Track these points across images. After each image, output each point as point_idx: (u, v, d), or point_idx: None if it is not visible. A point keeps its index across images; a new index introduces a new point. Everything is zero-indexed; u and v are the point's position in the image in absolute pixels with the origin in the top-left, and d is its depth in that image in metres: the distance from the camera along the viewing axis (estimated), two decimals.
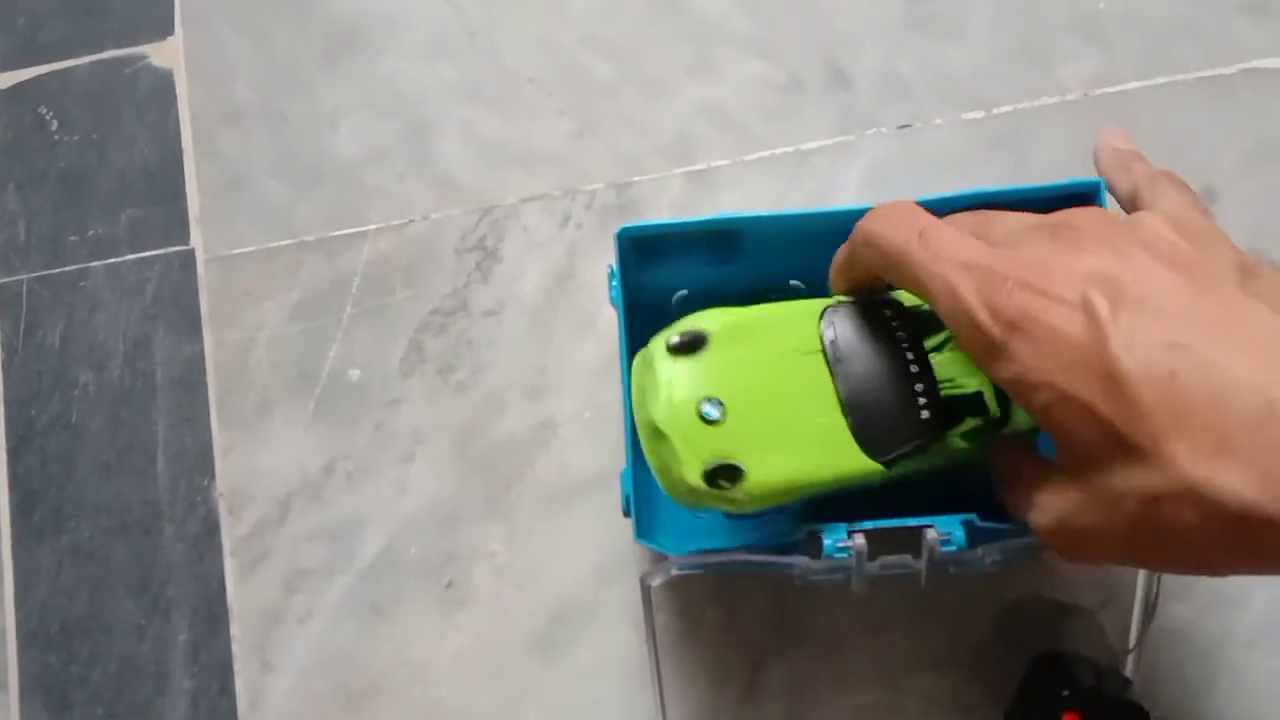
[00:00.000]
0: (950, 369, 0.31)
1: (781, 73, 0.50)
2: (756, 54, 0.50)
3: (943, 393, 0.31)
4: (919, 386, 0.30)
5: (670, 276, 0.45)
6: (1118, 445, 0.25)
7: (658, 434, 0.30)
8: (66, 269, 0.51)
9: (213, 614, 0.47)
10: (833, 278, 0.34)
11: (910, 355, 0.31)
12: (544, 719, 0.45)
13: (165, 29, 0.53)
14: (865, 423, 0.30)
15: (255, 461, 0.48)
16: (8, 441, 0.50)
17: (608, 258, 0.44)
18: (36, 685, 0.47)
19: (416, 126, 0.51)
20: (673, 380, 0.30)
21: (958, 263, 0.27)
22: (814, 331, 0.32)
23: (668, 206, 0.49)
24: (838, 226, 0.42)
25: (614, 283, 0.40)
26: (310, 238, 0.50)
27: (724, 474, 0.30)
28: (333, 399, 0.49)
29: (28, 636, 0.48)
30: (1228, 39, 0.48)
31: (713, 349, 0.31)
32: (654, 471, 0.32)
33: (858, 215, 0.41)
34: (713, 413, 0.30)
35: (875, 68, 0.50)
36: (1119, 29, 0.49)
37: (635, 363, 0.33)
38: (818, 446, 0.30)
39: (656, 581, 0.39)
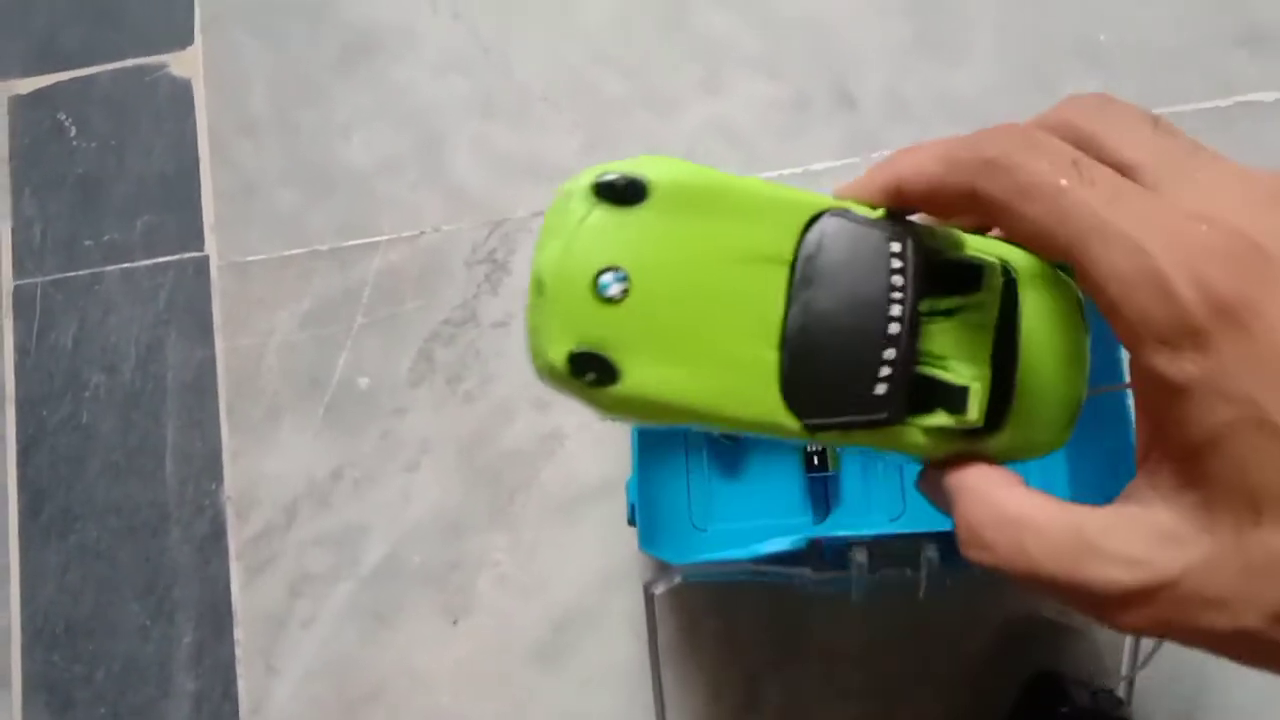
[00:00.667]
0: (946, 343, 0.24)
1: (789, 92, 0.51)
2: (765, 73, 0.51)
3: (923, 370, 0.24)
4: (888, 354, 0.24)
5: None
6: None
7: (540, 287, 0.23)
8: (81, 273, 0.52)
9: (217, 617, 0.48)
10: (876, 183, 0.25)
11: (896, 310, 0.24)
12: None
13: (185, 39, 0.54)
14: (802, 370, 0.24)
15: (263, 466, 0.49)
16: (19, 441, 0.50)
17: None
18: (40, 684, 0.48)
19: (429, 139, 0.52)
20: (581, 229, 0.23)
21: (1151, 216, 0.20)
22: (792, 235, 0.24)
23: None
24: None
25: None
26: (323, 247, 0.51)
27: (593, 365, 0.23)
28: (341, 406, 0.49)
29: (32, 635, 0.48)
30: (1225, 72, 0.50)
31: (649, 207, 0.24)
32: (526, 329, 0.24)
33: None
34: (612, 287, 0.23)
35: (881, 89, 0.51)
36: (1120, 58, 0.50)
37: (556, 194, 0.25)
38: (729, 374, 0.24)
39: (660, 590, 0.39)
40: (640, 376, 0.23)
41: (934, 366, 0.24)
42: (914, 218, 0.25)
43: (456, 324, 0.50)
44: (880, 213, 0.25)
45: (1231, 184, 0.21)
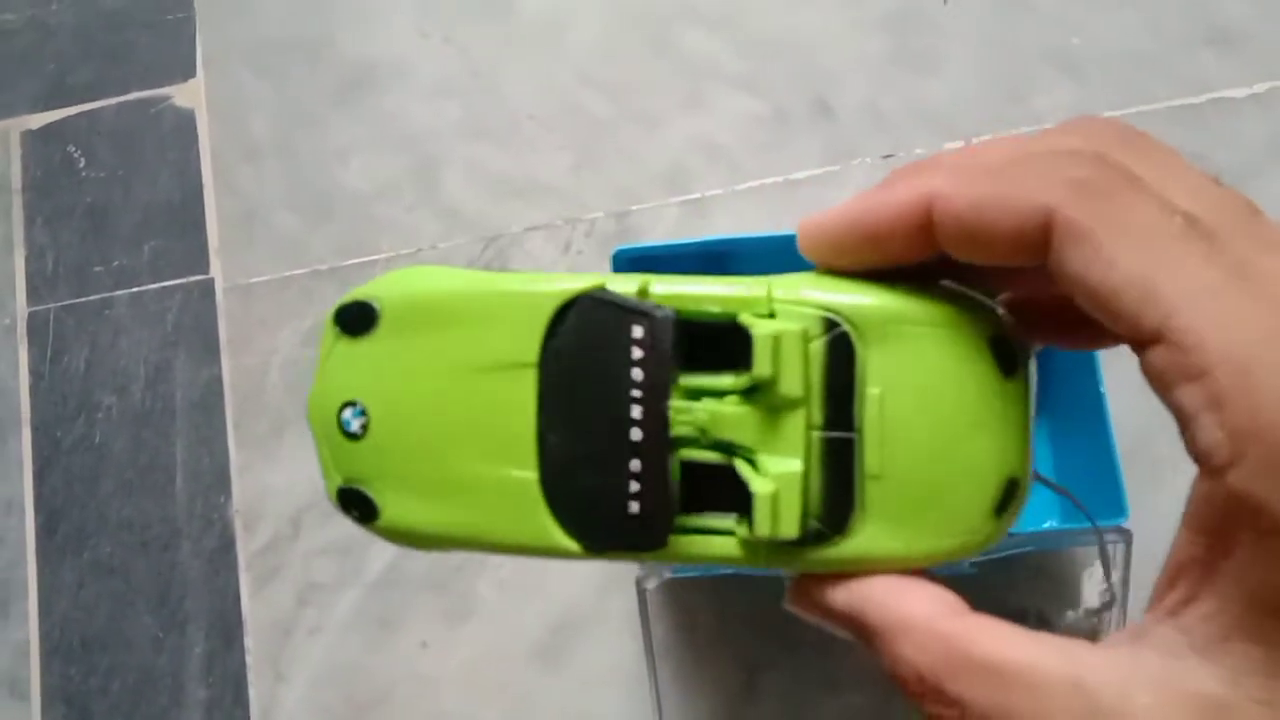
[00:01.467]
0: (748, 431, 0.20)
1: (769, 107, 0.53)
2: (745, 90, 0.53)
3: (736, 463, 0.20)
4: (634, 465, 0.20)
5: None
6: None
7: (309, 424, 0.22)
8: (91, 298, 0.54)
9: (228, 627, 0.49)
10: (892, 206, 0.18)
11: (636, 412, 0.20)
12: None
13: (188, 71, 0.56)
14: (562, 489, 0.21)
15: (269, 480, 0.51)
16: (34, 462, 0.52)
17: None
18: (58, 696, 0.49)
19: (424, 161, 0.54)
20: (326, 364, 0.22)
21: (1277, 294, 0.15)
22: (536, 333, 0.21)
23: (664, 234, 0.51)
24: None
25: None
26: (323, 267, 0.53)
27: (355, 501, 0.22)
28: None
29: (50, 649, 0.50)
30: (1195, 70, 0.51)
31: (381, 333, 0.22)
32: None
33: None
34: (352, 424, 0.22)
35: (858, 101, 0.52)
36: (1091, 62, 0.52)
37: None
38: (488, 499, 0.21)
39: (652, 585, 0.41)
40: (395, 510, 0.22)
41: (742, 459, 0.20)
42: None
43: None
44: (638, 286, 0.20)
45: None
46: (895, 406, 0.19)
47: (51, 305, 0.54)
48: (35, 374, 0.53)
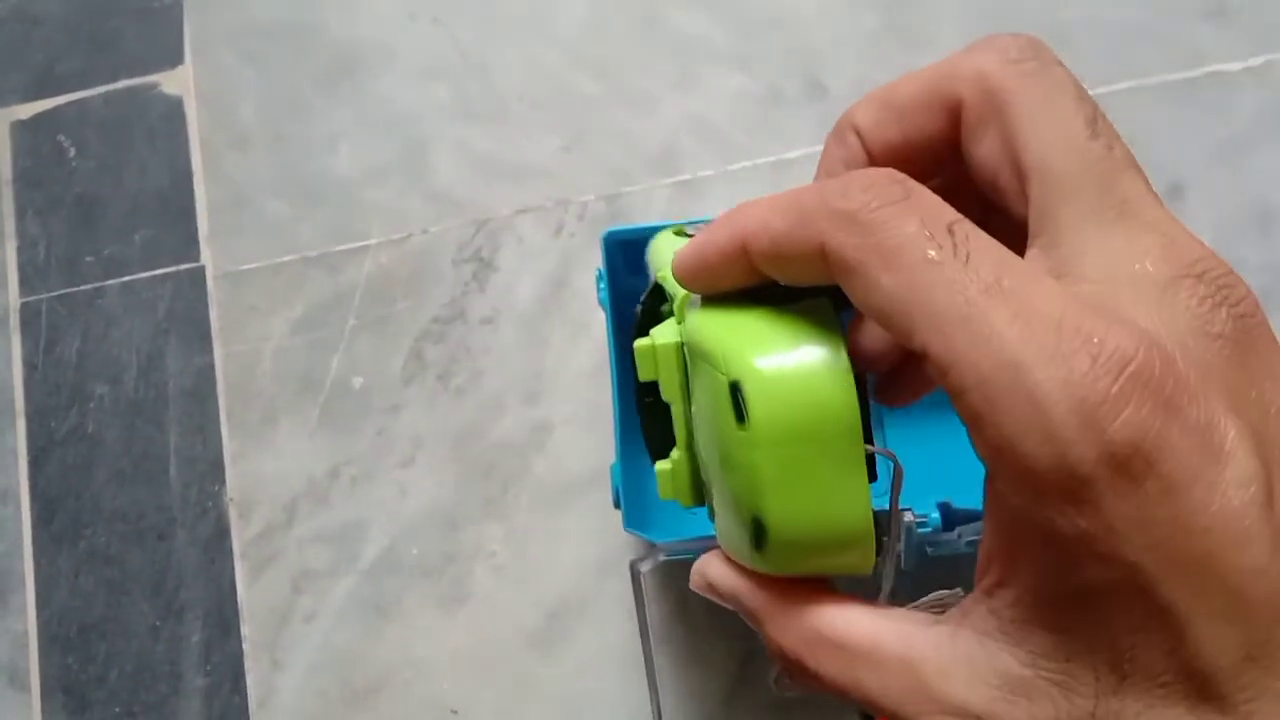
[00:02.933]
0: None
1: (761, 85, 0.52)
2: (736, 68, 0.52)
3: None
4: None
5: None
6: (1193, 686, 0.16)
7: None
8: (83, 288, 0.54)
9: (224, 615, 0.49)
10: (717, 243, 0.21)
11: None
12: (543, 711, 0.47)
13: (175, 59, 0.56)
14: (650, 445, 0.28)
15: (263, 468, 0.50)
16: (29, 452, 0.52)
17: (599, 265, 0.46)
18: (56, 686, 0.49)
19: (413, 145, 0.53)
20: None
21: (1039, 314, 0.16)
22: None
23: (656, 216, 0.51)
24: None
25: (602, 284, 0.43)
26: (313, 253, 0.53)
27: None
28: (336, 406, 0.51)
29: (48, 639, 0.50)
30: (1191, 44, 0.50)
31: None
32: None
33: None
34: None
35: (851, 78, 0.52)
36: (1085, 35, 0.51)
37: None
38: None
39: (646, 568, 0.41)
40: None
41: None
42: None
43: (445, 322, 0.51)
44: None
45: (1153, 250, 0.18)
46: (701, 435, 0.21)
47: (44, 296, 0.54)
48: (29, 364, 0.53)
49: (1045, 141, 0.19)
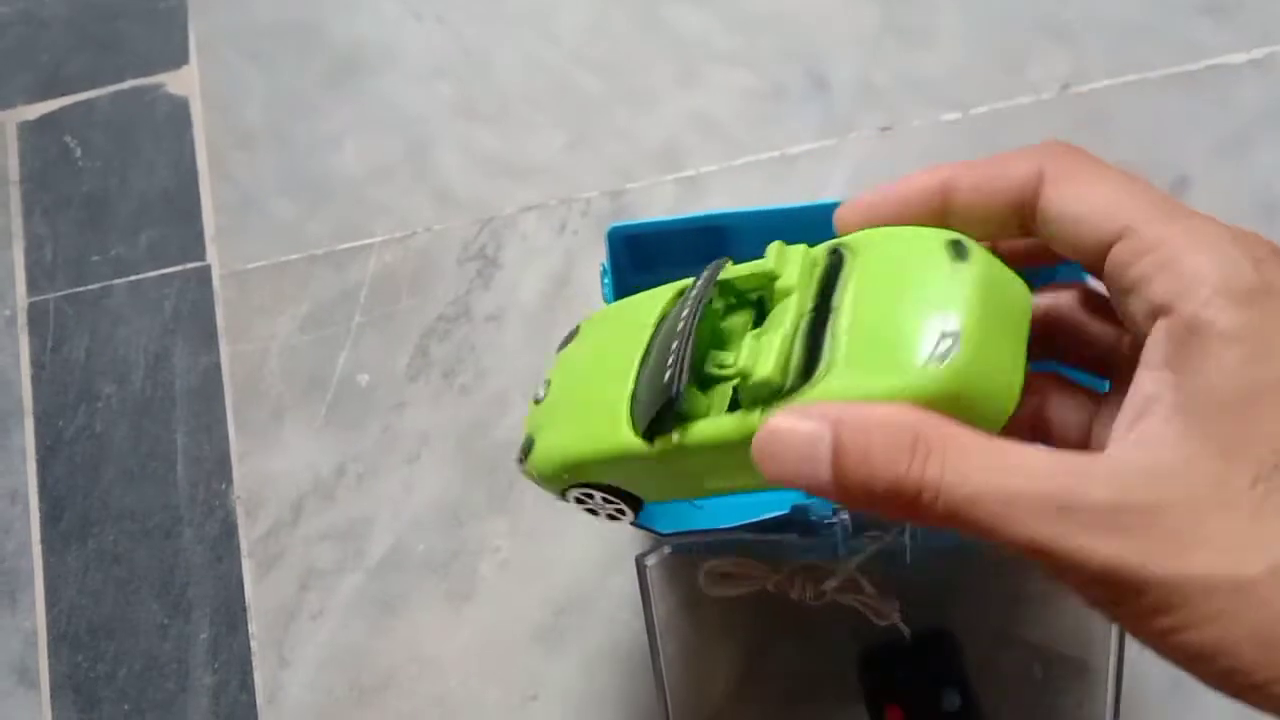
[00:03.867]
0: (745, 351, 0.24)
1: (764, 81, 0.52)
2: (739, 64, 0.53)
3: (717, 373, 0.26)
4: (674, 345, 0.25)
5: (663, 277, 0.47)
6: None
7: None
8: (90, 287, 0.54)
9: (231, 613, 0.49)
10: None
11: (685, 311, 0.26)
12: (550, 707, 0.47)
13: (180, 59, 0.56)
14: (637, 395, 0.27)
15: (270, 466, 0.51)
16: (37, 452, 0.52)
17: (603, 261, 0.47)
18: (66, 684, 0.50)
19: (417, 144, 0.54)
20: (548, 373, 0.32)
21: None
22: (662, 305, 0.29)
23: (660, 212, 0.51)
24: (821, 220, 0.44)
25: (606, 280, 0.43)
26: (319, 252, 0.53)
27: (525, 449, 0.30)
28: (343, 404, 0.51)
29: (57, 637, 0.50)
30: (1192, 37, 0.50)
31: (577, 340, 0.32)
32: None
33: None
34: (540, 392, 0.31)
35: (854, 74, 0.52)
36: (1087, 31, 0.51)
37: None
38: (599, 420, 0.27)
39: (651, 561, 0.41)
40: (544, 443, 0.29)
41: (722, 369, 0.25)
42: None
43: (450, 319, 0.51)
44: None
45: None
46: (864, 287, 0.23)
47: (51, 295, 0.54)
48: (37, 364, 0.54)
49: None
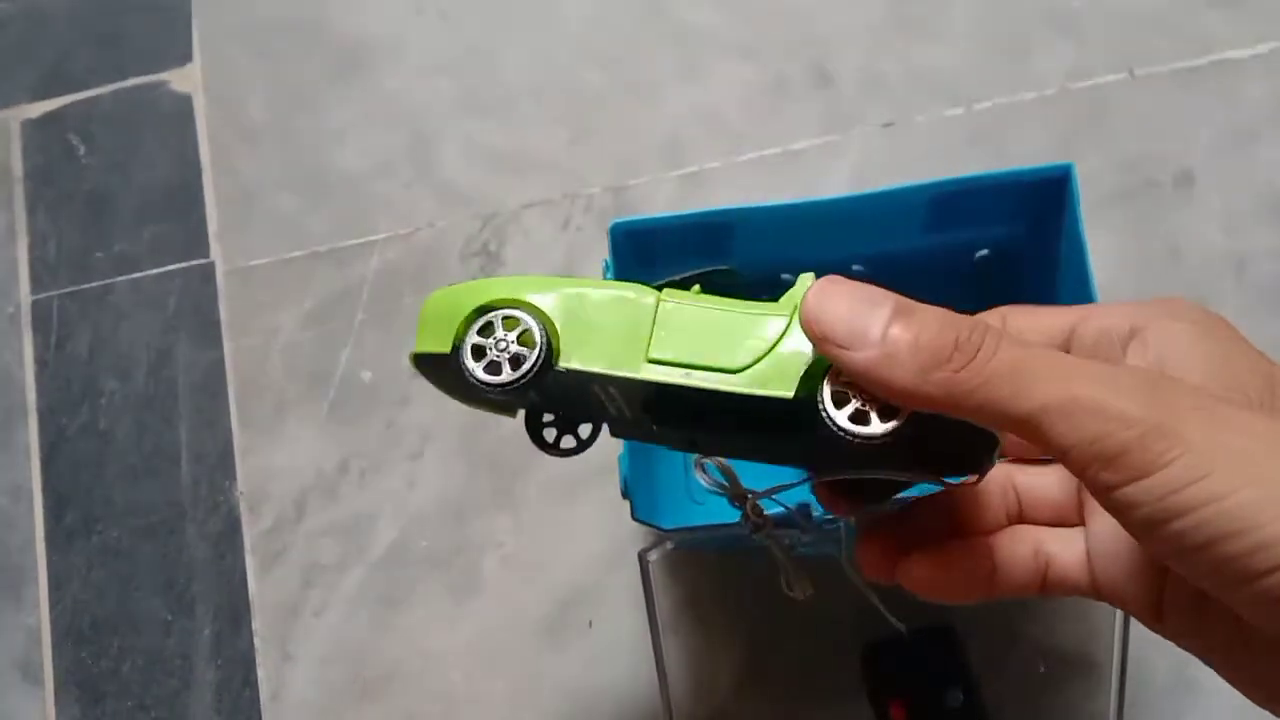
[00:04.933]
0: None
1: (767, 76, 0.52)
2: (742, 58, 0.52)
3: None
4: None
5: (665, 273, 0.47)
6: None
7: None
8: (93, 284, 0.54)
9: (235, 609, 0.49)
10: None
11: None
12: (552, 702, 0.47)
13: (184, 56, 0.56)
14: None
15: (273, 462, 0.51)
16: (41, 449, 0.52)
17: (606, 257, 0.46)
18: (70, 680, 0.50)
19: (419, 139, 0.53)
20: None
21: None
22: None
23: (663, 208, 0.51)
24: (827, 216, 0.44)
25: (608, 276, 0.43)
26: (322, 248, 0.53)
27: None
28: (346, 400, 0.51)
29: (61, 633, 0.50)
30: (1198, 31, 0.50)
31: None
32: None
33: (844, 204, 0.43)
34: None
35: (858, 68, 0.52)
36: (1092, 24, 0.51)
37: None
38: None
39: (654, 556, 0.41)
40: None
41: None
42: None
43: None
44: None
45: None
46: None
47: (54, 292, 0.54)
48: (40, 361, 0.54)
49: None
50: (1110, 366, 0.21)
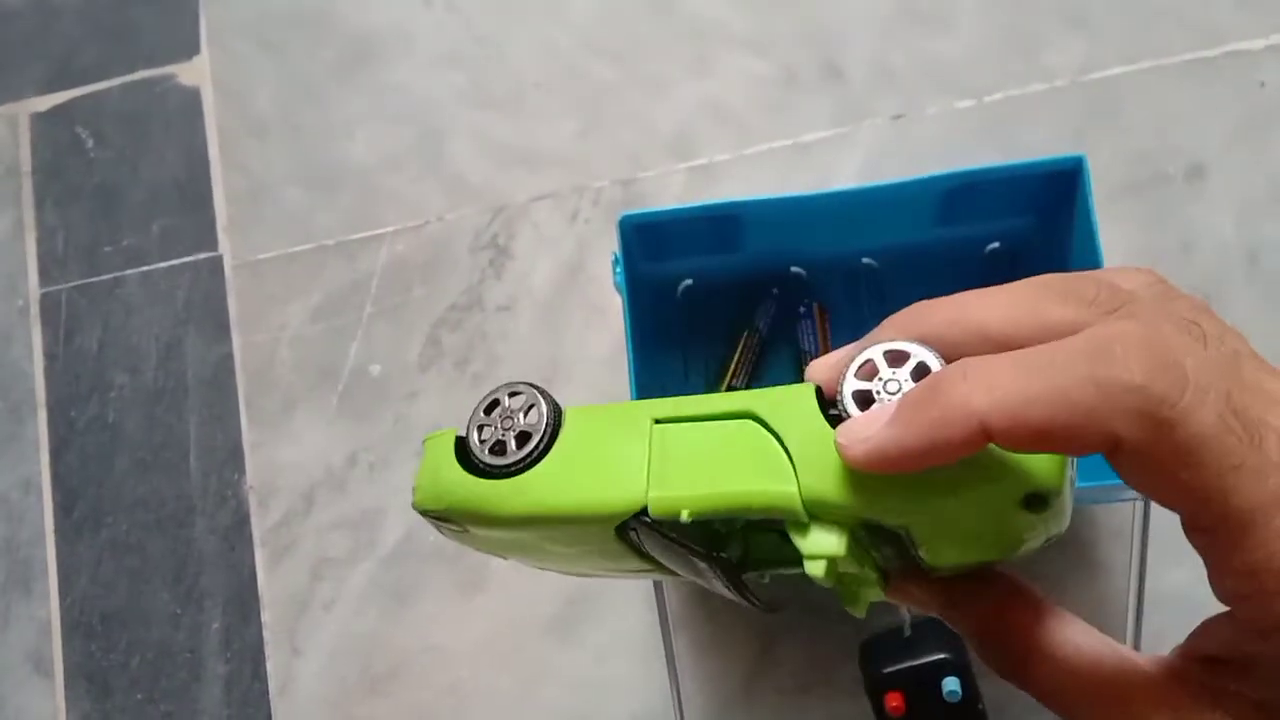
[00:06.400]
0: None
1: (777, 68, 0.52)
2: (752, 51, 0.52)
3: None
4: None
5: (675, 267, 0.47)
6: None
7: None
8: (102, 278, 0.54)
9: (244, 602, 0.49)
10: (939, 429, 0.19)
11: None
12: (561, 697, 0.47)
13: (192, 49, 0.56)
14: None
15: (282, 456, 0.51)
16: (50, 442, 0.52)
17: (615, 250, 0.46)
18: (79, 672, 0.50)
19: (428, 132, 0.53)
20: None
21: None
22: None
23: (672, 200, 0.51)
24: (836, 209, 0.44)
25: (617, 268, 0.42)
26: (330, 241, 0.53)
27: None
28: (355, 394, 0.51)
29: (71, 627, 0.50)
30: (1210, 22, 0.50)
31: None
32: None
33: (855, 196, 0.43)
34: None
35: (868, 60, 0.51)
36: (1104, 16, 0.50)
37: None
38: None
39: None
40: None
41: None
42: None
43: (462, 309, 0.51)
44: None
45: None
46: (935, 545, 0.22)
47: (63, 286, 0.54)
48: (49, 355, 0.54)
49: None
50: None
